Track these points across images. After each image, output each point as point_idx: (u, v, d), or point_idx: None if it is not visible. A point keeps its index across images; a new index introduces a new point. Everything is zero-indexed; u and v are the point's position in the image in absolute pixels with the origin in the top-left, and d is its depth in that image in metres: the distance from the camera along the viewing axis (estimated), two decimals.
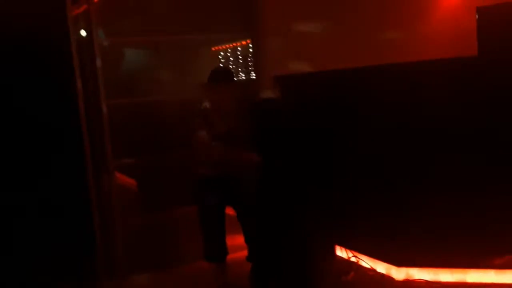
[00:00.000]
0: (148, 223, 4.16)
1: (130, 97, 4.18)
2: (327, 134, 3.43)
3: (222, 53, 5.45)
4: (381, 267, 3.27)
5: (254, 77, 4.84)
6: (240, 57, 5.25)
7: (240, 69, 5.28)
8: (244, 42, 5.15)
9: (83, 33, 3.86)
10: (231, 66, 5.28)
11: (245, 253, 3.52)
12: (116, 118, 3.89)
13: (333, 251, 3.47)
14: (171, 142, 4.17)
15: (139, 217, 4.19)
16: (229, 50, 5.40)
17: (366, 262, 3.36)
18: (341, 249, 3.50)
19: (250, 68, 5.08)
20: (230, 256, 3.67)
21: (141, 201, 4.36)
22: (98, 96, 3.76)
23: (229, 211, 3.64)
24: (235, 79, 3.64)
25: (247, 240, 3.47)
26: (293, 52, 4.45)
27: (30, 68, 3.38)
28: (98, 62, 3.74)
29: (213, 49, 5.57)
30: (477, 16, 3.01)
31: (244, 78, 5.17)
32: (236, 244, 3.66)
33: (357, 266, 3.36)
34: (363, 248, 3.40)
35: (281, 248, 3.25)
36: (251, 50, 4.93)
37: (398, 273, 3.17)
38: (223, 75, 3.31)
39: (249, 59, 5.06)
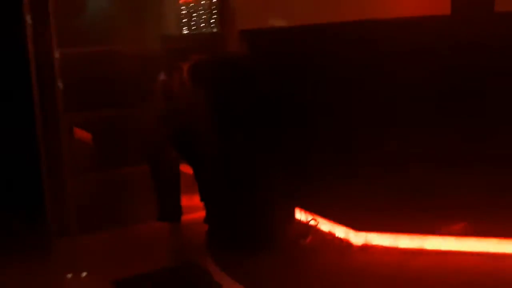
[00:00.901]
0: (102, 180, 4.00)
1: (86, 46, 3.93)
2: (296, 93, 3.29)
3: (185, 6, 5.22)
4: (340, 232, 3.19)
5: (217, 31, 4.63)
6: (203, 10, 5.02)
7: (203, 23, 5.07)
8: None
9: None
10: (194, 19, 5.06)
11: (201, 214, 3.43)
12: (70, 68, 3.67)
13: (292, 213, 3.37)
14: (128, 95, 3.98)
15: (93, 174, 4.02)
16: (192, 4, 5.17)
17: (325, 226, 3.27)
18: (300, 212, 3.41)
19: (213, 22, 4.88)
20: (186, 217, 3.59)
21: (95, 157, 4.18)
22: (50, 43, 3.51)
23: (185, 169, 3.52)
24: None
25: (202, 198, 3.37)
26: (261, 5, 4.26)
27: None
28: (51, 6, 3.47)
29: (180, 1, 5.34)
30: None
31: (207, 31, 4.97)
32: (193, 205, 3.56)
33: (315, 230, 3.27)
34: (322, 211, 3.31)
35: (238, 208, 3.13)
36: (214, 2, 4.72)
37: (357, 238, 3.09)
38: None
39: (213, 13, 4.84)
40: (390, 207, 2.99)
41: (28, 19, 3.25)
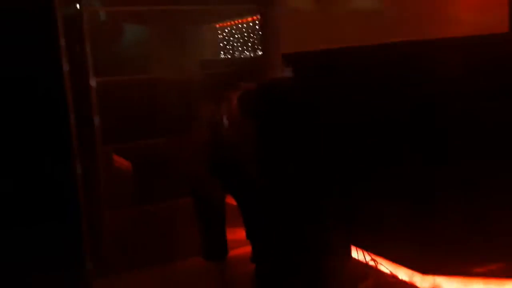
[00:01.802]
0: (142, 214, 3.82)
1: (123, 75, 3.77)
2: (350, 122, 3.05)
3: (226, 30, 5.07)
4: (403, 274, 2.91)
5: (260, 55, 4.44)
6: (245, 34, 4.86)
7: (245, 47, 4.90)
8: (250, 19, 4.78)
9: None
10: (235, 44, 4.90)
11: (249, 249, 3.21)
12: (107, 98, 3.52)
13: (349, 253, 3.10)
14: (169, 124, 3.79)
15: (133, 208, 3.84)
16: (234, 27, 5.02)
17: (386, 267, 3.00)
18: (357, 251, 3.14)
19: (256, 46, 4.70)
20: (232, 252, 3.38)
21: (135, 190, 3.99)
22: (87, 71, 3.37)
23: (230, 200, 3.31)
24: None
25: (248, 236, 3.14)
26: (305, 29, 4.06)
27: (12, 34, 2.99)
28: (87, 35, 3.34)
29: (217, 25, 5.20)
30: None
31: (249, 56, 4.79)
32: (240, 239, 3.35)
33: (375, 271, 3.00)
34: (383, 251, 3.03)
35: (288, 247, 2.89)
36: (257, 27, 4.54)
37: (423, 282, 2.81)
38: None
39: (255, 37, 4.67)
40: (461, 246, 2.70)
41: (62, 41, 3.11)
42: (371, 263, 3.07)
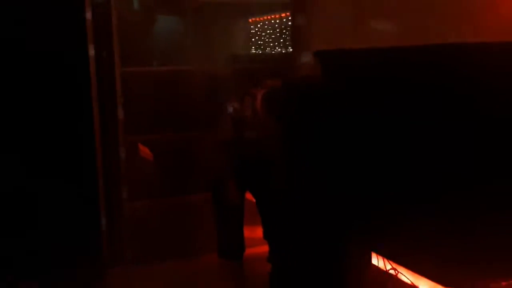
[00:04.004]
0: (161, 207, 3.79)
1: (150, 66, 3.74)
2: (374, 122, 2.93)
3: (259, 25, 4.99)
4: (425, 285, 2.79)
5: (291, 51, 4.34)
6: (277, 30, 4.77)
7: (276, 43, 4.81)
8: (283, 14, 4.70)
9: None
10: (266, 39, 4.82)
11: (266, 249, 3.14)
12: (132, 88, 3.50)
13: (369, 259, 3.00)
14: (194, 118, 3.75)
15: (153, 200, 3.81)
16: (266, 22, 4.94)
17: (407, 276, 2.88)
18: (378, 258, 3.03)
19: (286, 43, 4.61)
20: (249, 251, 3.32)
21: (156, 183, 3.97)
22: (113, 62, 3.34)
23: (250, 196, 3.25)
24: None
25: (266, 236, 3.08)
26: (338, 26, 3.95)
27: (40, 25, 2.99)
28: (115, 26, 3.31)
29: (250, 20, 5.13)
30: None
31: (279, 51, 4.70)
32: (257, 237, 3.29)
33: (395, 281, 2.88)
34: (404, 260, 2.91)
35: (306, 250, 2.81)
36: (289, 23, 4.45)
37: None
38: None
39: (286, 33, 4.58)
40: (488, 260, 2.56)
41: (90, 28, 3.10)
42: (392, 271, 2.95)
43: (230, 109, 2.92)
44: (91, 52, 3.09)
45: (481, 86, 2.54)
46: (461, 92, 2.62)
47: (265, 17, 4.93)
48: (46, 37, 2.98)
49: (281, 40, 4.76)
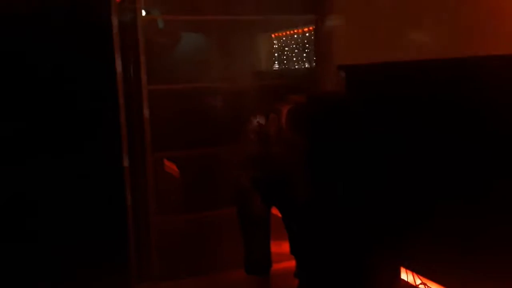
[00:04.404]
0: (188, 222, 3.81)
1: (176, 84, 3.79)
2: (399, 136, 2.91)
3: (282, 40, 5.02)
4: None
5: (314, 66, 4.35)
6: (300, 44, 4.79)
7: (299, 58, 4.83)
8: (306, 29, 4.71)
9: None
10: (289, 54, 4.84)
11: (292, 263, 3.12)
12: (159, 105, 3.54)
13: (398, 275, 2.96)
14: (219, 134, 3.78)
15: (180, 216, 3.83)
16: (289, 37, 4.96)
17: None
18: (407, 273, 3.00)
19: (310, 57, 4.62)
20: (276, 266, 3.30)
21: (182, 198, 3.99)
22: (139, 80, 3.41)
23: (277, 212, 3.24)
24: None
25: (292, 251, 3.06)
26: (361, 40, 3.94)
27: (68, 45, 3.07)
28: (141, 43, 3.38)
29: (273, 35, 5.16)
30: None
31: (303, 66, 4.71)
32: (285, 253, 3.27)
33: None
34: (434, 275, 2.87)
35: (333, 266, 2.78)
36: (312, 38, 4.46)
37: None
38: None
39: (310, 47, 4.59)
40: None
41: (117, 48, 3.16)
42: (421, 287, 2.91)
43: (255, 125, 2.93)
44: (119, 69, 3.17)
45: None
46: (492, 107, 2.60)
47: (288, 32, 4.95)
48: (74, 56, 3.07)
49: (304, 55, 4.77)
